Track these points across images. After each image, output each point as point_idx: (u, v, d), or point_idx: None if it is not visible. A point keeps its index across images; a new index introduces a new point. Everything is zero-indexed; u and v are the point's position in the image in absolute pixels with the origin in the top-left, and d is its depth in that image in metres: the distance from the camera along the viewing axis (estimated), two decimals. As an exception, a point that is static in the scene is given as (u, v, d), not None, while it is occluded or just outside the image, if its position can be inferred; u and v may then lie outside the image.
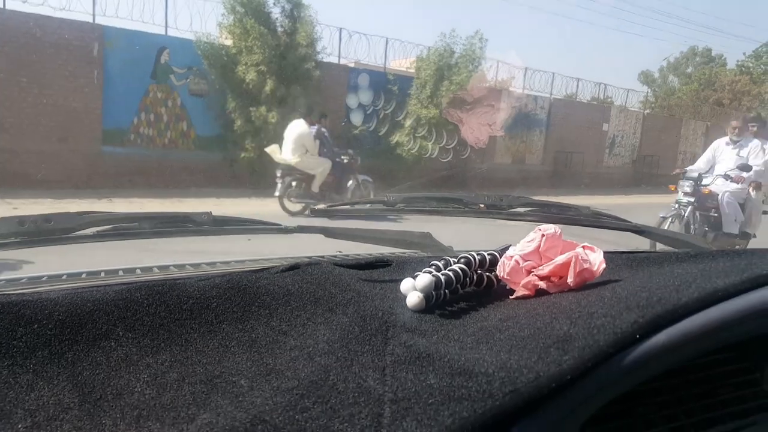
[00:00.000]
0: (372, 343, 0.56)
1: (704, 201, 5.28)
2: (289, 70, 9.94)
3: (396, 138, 11.43)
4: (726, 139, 5.57)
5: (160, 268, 0.96)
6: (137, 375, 0.51)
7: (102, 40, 9.12)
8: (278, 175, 7.16)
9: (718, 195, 5.25)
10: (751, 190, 5.33)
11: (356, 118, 11.52)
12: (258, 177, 9.70)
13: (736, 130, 5.40)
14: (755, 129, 5.41)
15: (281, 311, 0.64)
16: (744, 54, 34.27)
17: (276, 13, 10.18)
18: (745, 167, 5.19)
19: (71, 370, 0.51)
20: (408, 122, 11.42)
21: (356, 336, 0.57)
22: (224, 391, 0.49)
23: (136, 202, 7.72)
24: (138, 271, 0.94)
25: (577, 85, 16.24)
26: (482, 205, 1.26)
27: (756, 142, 5.36)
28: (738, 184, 5.21)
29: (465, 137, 10.49)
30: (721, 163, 5.53)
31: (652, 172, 17.36)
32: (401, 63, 12.73)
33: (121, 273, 0.92)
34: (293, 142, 7.25)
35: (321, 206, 1.25)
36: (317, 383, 0.48)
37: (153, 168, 9.54)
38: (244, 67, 9.69)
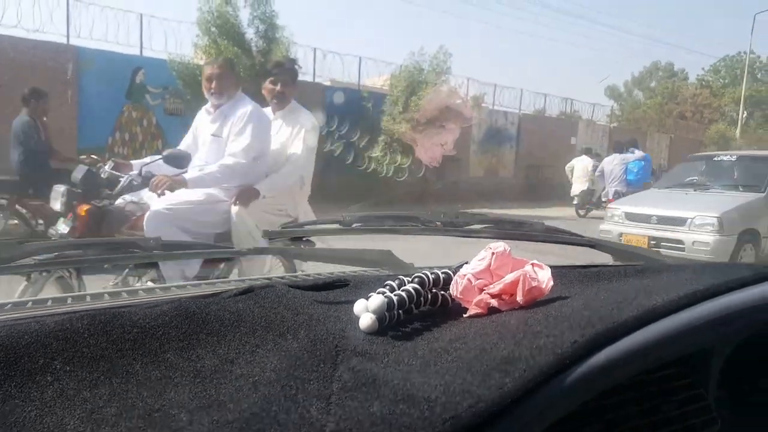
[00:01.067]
0: (320, 369, 0.55)
1: None
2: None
3: (371, 153, 11.62)
4: None
5: (111, 294, 0.90)
6: (72, 411, 0.49)
7: (76, 61, 9.15)
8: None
9: None
10: None
11: (333, 135, 11.69)
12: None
13: None
14: None
15: (230, 338, 0.62)
16: (703, 68, 35.45)
17: (251, 33, 10.35)
18: None
19: (1, 408, 0.49)
20: (382, 138, 11.62)
21: (304, 363, 0.56)
22: (162, 425, 0.47)
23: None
24: (87, 299, 0.89)
25: (545, 101, 16.72)
26: (438, 223, 1.27)
27: None
28: None
29: (419, 157, 10.60)
30: None
31: (619, 183, 17.84)
32: (375, 81, 12.97)
33: (69, 301, 0.86)
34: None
35: (276, 229, 1.23)
36: (258, 415, 0.47)
37: (128, 187, 9.51)
38: (219, 86, 9.78)
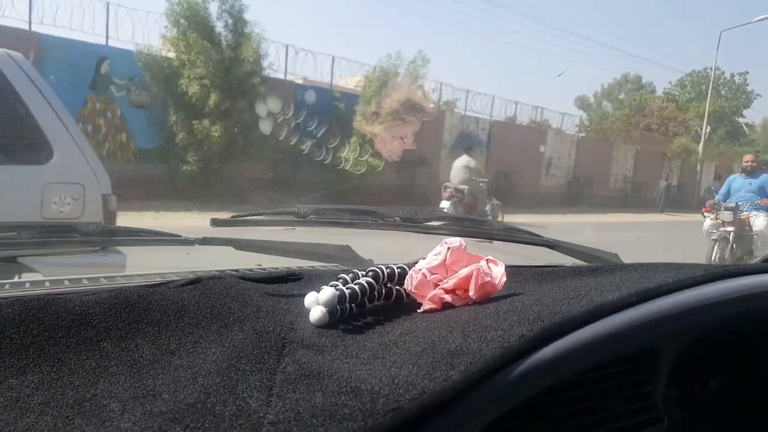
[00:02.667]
0: (264, 361, 0.54)
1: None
2: (234, 84, 9.93)
3: (342, 154, 11.57)
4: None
5: (52, 282, 0.87)
6: None
7: (38, 49, 8.86)
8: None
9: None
10: None
11: (304, 134, 11.59)
12: (201, 190, 9.59)
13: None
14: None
15: (172, 328, 0.61)
16: (670, 82, 36.48)
17: (220, 27, 10.20)
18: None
19: None
20: (354, 138, 11.59)
21: (248, 354, 0.55)
22: (91, 415, 0.46)
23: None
24: (27, 285, 0.86)
25: (516, 108, 16.95)
26: (398, 218, 1.25)
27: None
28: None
29: (379, 150, 10.60)
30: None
31: (586, 192, 18.18)
32: (348, 81, 12.92)
33: (7, 287, 0.83)
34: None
35: (224, 218, 1.16)
36: (194, 406, 0.46)
37: (90, 180, 9.26)
38: (186, 80, 9.63)
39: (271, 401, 0.47)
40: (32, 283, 0.88)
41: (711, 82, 25.17)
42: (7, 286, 0.84)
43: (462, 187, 8.65)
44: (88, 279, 0.90)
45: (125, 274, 0.97)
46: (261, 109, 9.97)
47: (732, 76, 34.70)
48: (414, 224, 1.24)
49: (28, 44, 8.81)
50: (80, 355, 0.55)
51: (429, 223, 1.26)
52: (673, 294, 0.66)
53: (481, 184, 8.88)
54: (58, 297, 0.63)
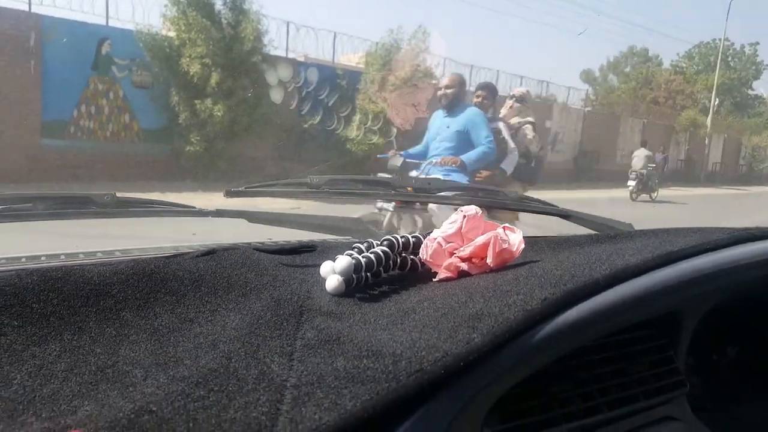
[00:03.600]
0: (283, 328, 0.54)
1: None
2: (236, 62, 9.85)
3: (346, 132, 11.52)
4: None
5: (68, 255, 0.88)
6: (19, 366, 0.48)
7: (39, 30, 8.82)
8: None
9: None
10: None
11: (307, 111, 11.54)
12: (205, 170, 9.60)
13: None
14: None
15: (190, 297, 0.62)
16: (678, 54, 35.85)
17: (220, 5, 10.08)
18: None
19: None
20: (357, 116, 11.51)
21: (267, 321, 0.56)
22: (115, 381, 0.46)
23: (77, 195, 7.49)
24: (43, 258, 0.87)
25: (521, 83, 16.70)
26: (410, 188, 1.24)
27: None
28: None
29: (391, 118, 10.37)
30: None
31: (592, 167, 18.04)
32: (350, 58, 12.80)
33: (23, 260, 0.84)
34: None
35: (238, 188, 1.15)
36: (217, 371, 0.46)
37: (96, 161, 9.31)
38: (188, 59, 9.54)
39: (292, 365, 0.47)
40: (48, 256, 0.88)
41: (720, 54, 24.74)
42: (23, 259, 0.84)
43: (642, 171, 13.12)
44: (102, 252, 0.91)
45: (139, 247, 0.98)
46: (271, 76, 9.90)
47: (742, 47, 34.07)
48: (427, 194, 1.23)
49: (29, 26, 8.78)
50: (100, 324, 0.55)
51: (442, 193, 1.25)
52: (697, 257, 0.65)
53: (651, 167, 13.35)
54: (76, 267, 0.63)
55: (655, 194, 13.71)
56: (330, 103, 11.55)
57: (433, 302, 0.58)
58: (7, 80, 8.56)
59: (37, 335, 0.53)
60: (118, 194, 1.01)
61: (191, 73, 9.54)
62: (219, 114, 9.56)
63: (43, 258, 0.87)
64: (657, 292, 0.58)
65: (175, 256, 0.75)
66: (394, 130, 11.10)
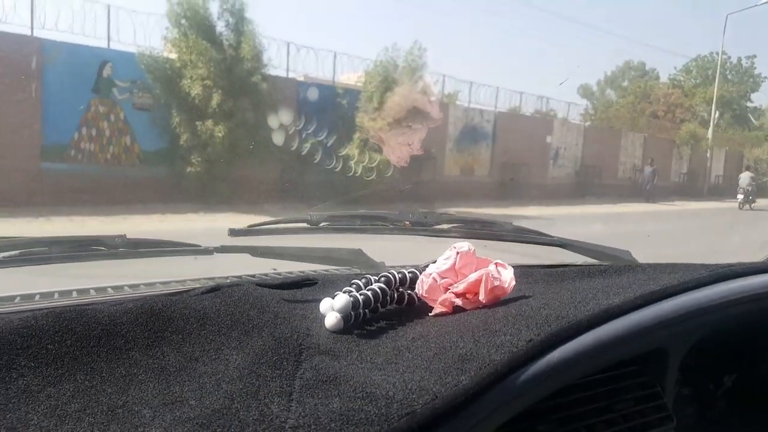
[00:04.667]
0: (283, 367, 0.56)
1: None
2: (236, 83, 9.87)
3: (346, 151, 11.50)
4: None
5: (80, 292, 0.91)
6: (36, 406, 0.49)
7: (40, 54, 8.82)
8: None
9: None
10: None
11: (309, 134, 11.52)
12: (207, 192, 9.55)
13: None
14: None
15: (195, 336, 0.63)
16: (675, 68, 36.01)
17: (221, 26, 10.12)
18: None
19: None
20: (357, 135, 11.50)
21: (268, 360, 0.57)
22: (125, 421, 0.48)
23: (77, 220, 7.46)
24: (56, 296, 0.88)
25: (521, 99, 16.81)
26: (407, 222, 1.27)
27: None
28: None
29: (387, 156, 10.57)
30: None
31: (594, 182, 18.01)
32: (350, 77, 12.84)
33: (37, 297, 0.86)
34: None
35: (241, 227, 1.19)
36: (220, 412, 0.48)
37: (96, 184, 9.26)
38: (189, 80, 9.55)
39: (291, 406, 0.49)
40: (61, 293, 0.90)
41: (719, 67, 24.86)
42: (37, 297, 0.87)
43: (747, 187, 16.82)
44: (112, 288, 0.94)
45: (147, 282, 1.00)
46: (273, 121, 9.95)
47: (739, 60, 34.24)
48: (424, 228, 1.25)
49: (31, 50, 8.79)
50: (111, 364, 0.57)
51: (438, 227, 1.27)
52: (678, 296, 0.67)
53: (753, 185, 16.98)
54: (88, 308, 0.65)
55: (754, 204, 17.53)
56: (331, 122, 11.55)
57: (426, 340, 0.60)
58: (7, 104, 8.56)
59: (52, 376, 0.54)
60: (128, 237, 1.04)
61: (192, 95, 9.54)
62: (220, 135, 9.53)
63: (56, 295, 0.89)
64: (638, 331, 0.61)
65: (181, 293, 0.76)
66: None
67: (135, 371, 0.56)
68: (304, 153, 11.22)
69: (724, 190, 22.99)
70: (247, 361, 0.57)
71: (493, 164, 15.71)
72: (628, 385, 0.70)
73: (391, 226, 1.28)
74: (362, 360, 0.57)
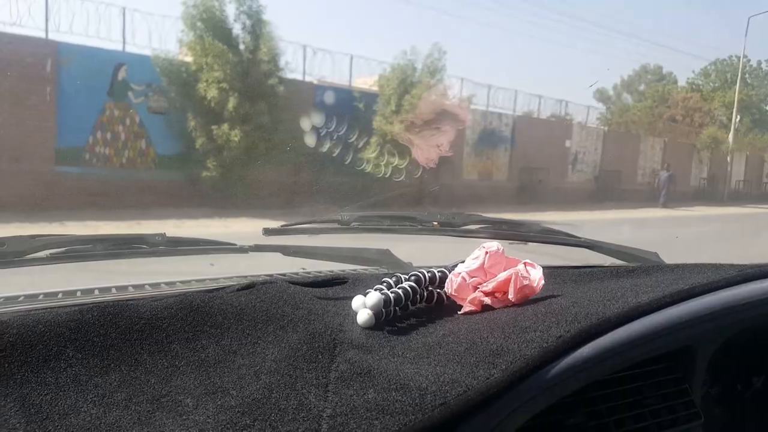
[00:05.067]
0: (318, 360, 0.58)
1: None
2: (253, 86, 9.73)
3: (364, 155, 11.33)
4: None
5: (119, 288, 0.94)
6: (85, 395, 0.52)
7: (56, 57, 8.75)
8: None
9: None
10: None
11: (324, 136, 11.35)
12: (223, 197, 9.40)
13: None
14: None
15: (233, 330, 0.65)
16: (693, 72, 35.70)
17: (237, 29, 9.99)
18: None
19: (19, 391, 0.52)
20: (374, 139, 11.34)
21: (303, 354, 0.59)
22: (169, 410, 0.50)
23: (91, 225, 7.31)
24: (96, 292, 0.92)
25: (539, 102, 16.56)
26: (436, 223, 1.28)
27: None
28: None
29: (416, 158, 10.48)
30: None
31: (614, 187, 17.70)
32: (366, 81, 12.68)
33: (78, 294, 0.90)
34: None
35: (275, 227, 1.23)
36: (260, 401, 0.50)
37: (111, 188, 9.16)
38: (205, 84, 9.43)
39: (327, 396, 0.51)
40: (100, 289, 0.93)
41: (740, 70, 24.44)
42: (78, 293, 0.90)
43: None
44: (150, 285, 0.97)
45: (183, 279, 1.03)
46: (305, 123, 9.85)
47: (759, 63, 33.76)
48: (452, 228, 1.26)
49: (45, 52, 8.72)
50: (154, 356, 0.59)
51: (466, 227, 1.28)
52: (707, 295, 0.67)
53: None
54: (130, 303, 0.67)
55: None
56: (347, 126, 11.37)
57: (457, 336, 0.61)
58: (22, 107, 8.48)
59: (98, 366, 0.56)
60: (168, 235, 1.08)
61: (208, 98, 9.41)
62: (236, 139, 9.40)
63: (96, 292, 0.92)
64: (666, 329, 0.61)
65: (217, 289, 0.78)
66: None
67: (176, 363, 0.58)
68: (321, 157, 11.08)
69: (744, 195, 22.63)
70: (283, 355, 0.59)
71: (511, 168, 15.47)
72: (657, 382, 0.71)
73: (420, 227, 1.29)
74: (394, 354, 0.59)
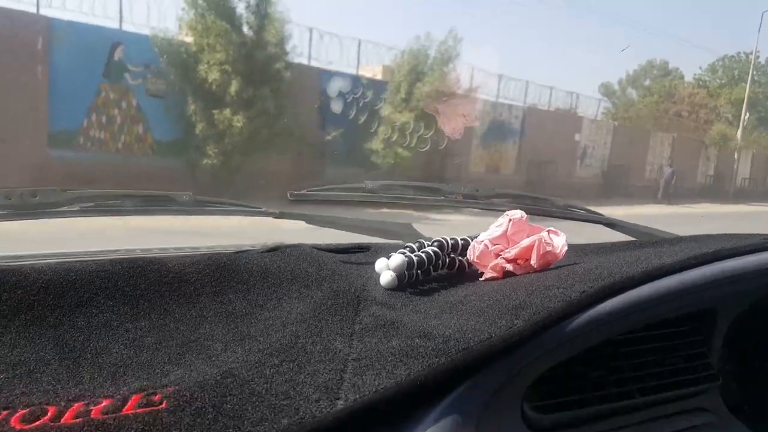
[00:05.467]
0: (343, 314, 0.61)
1: None
2: (257, 70, 9.30)
3: (370, 145, 10.90)
4: None
5: (143, 250, 0.96)
6: (116, 338, 0.55)
7: (48, 34, 8.30)
8: None
9: None
10: None
11: (329, 124, 10.94)
12: (223, 186, 8.99)
13: None
14: None
15: (259, 287, 0.69)
16: (700, 68, 35.57)
17: (241, 8, 9.52)
18: None
19: (53, 332, 0.55)
20: (382, 128, 10.93)
21: (328, 308, 0.62)
22: (198, 352, 0.53)
23: (85, 212, 6.91)
24: (121, 252, 0.92)
25: (550, 94, 16.16)
26: (459, 195, 1.30)
27: None
28: None
29: (441, 127, 10.40)
30: None
31: (621, 182, 17.38)
32: (374, 70, 12.26)
33: (107, 250, 0.91)
34: None
35: (300, 191, 1.23)
36: (287, 346, 0.53)
37: (106, 174, 8.73)
38: (206, 66, 8.99)
39: (352, 344, 0.53)
40: (126, 251, 0.93)
41: (752, 66, 24.14)
42: (106, 250, 0.91)
43: None
44: (174, 248, 0.98)
45: (207, 245, 1.03)
46: (311, 110, 9.53)
47: (767, 60, 33.49)
48: (475, 200, 1.28)
49: (36, 29, 8.26)
50: (182, 307, 0.63)
51: (489, 200, 1.30)
52: (732, 259, 0.68)
53: None
54: (158, 258, 0.70)
55: None
56: (354, 115, 10.97)
57: (479, 295, 0.63)
58: (12, 87, 8.03)
59: (128, 314, 0.60)
60: (195, 196, 1.08)
61: (209, 81, 8.99)
62: (238, 125, 9.01)
63: (120, 251, 0.91)
64: (688, 289, 0.63)
65: (242, 251, 0.81)
66: (420, 139, 10.59)
67: (204, 314, 0.62)
68: (325, 146, 10.64)
69: (750, 193, 22.44)
70: (308, 309, 0.62)
71: (519, 162, 15.11)
72: (677, 343, 0.72)
73: (443, 198, 1.30)
74: (417, 311, 0.61)
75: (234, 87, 9.02)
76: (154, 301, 0.61)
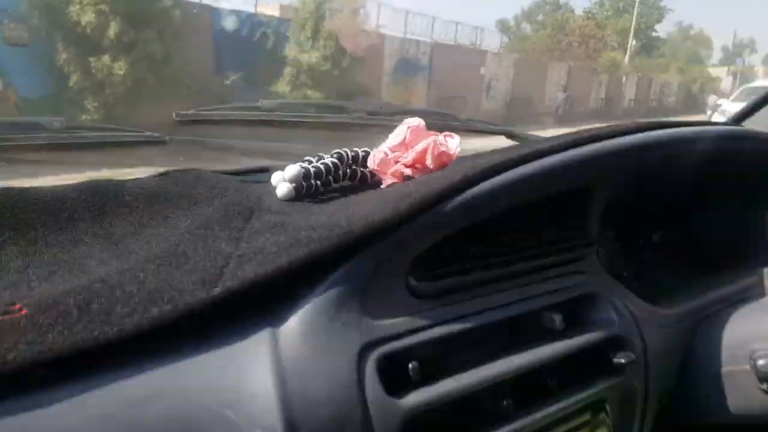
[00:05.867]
0: (233, 224, 0.60)
1: None
2: (140, 9, 8.38)
3: (276, 87, 10.17)
4: None
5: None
6: None
7: None
8: None
9: None
10: None
11: (227, 67, 10.02)
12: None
13: None
14: None
15: (143, 208, 0.66)
16: (590, 1, 37.70)
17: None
18: None
19: None
20: (288, 70, 10.21)
21: (218, 220, 0.61)
22: (70, 269, 0.54)
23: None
24: None
25: (456, 29, 16.16)
26: (364, 113, 1.29)
27: None
28: None
29: (344, 44, 10.27)
30: None
31: (525, 111, 17.91)
32: (273, 8, 11.36)
33: None
34: None
35: (188, 112, 1.13)
36: (165, 251, 0.54)
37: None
38: (78, 6, 7.98)
39: (240, 245, 0.55)
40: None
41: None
42: None
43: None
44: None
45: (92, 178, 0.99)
46: (203, 52, 8.61)
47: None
48: (381, 117, 1.28)
49: None
50: (55, 232, 0.61)
51: (394, 116, 1.27)
52: (603, 141, 0.74)
53: None
54: (30, 189, 0.67)
55: None
56: (254, 56, 10.11)
57: (372, 196, 0.68)
58: None
59: None
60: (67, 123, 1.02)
61: (83, 24, 8.00)
62: (120, 73, 8.19)
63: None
64: (565, 167, 0.68)
65: (128, 179, 0.79)
66: (333, 82, 10.04)
67: (81, 237, 0.60)
68: (224, 91, 9.78)
69: (635, 112, 24.13)
70: (196, 223, 0.61)
71: (429, 97, 15.03)
72: (557, 217, 0.77)
73: (347, 117, 1.30)
74: (311, 213, 0.63)
75: (113, 29, 8.12)
76: (21, 229, 0.60)
